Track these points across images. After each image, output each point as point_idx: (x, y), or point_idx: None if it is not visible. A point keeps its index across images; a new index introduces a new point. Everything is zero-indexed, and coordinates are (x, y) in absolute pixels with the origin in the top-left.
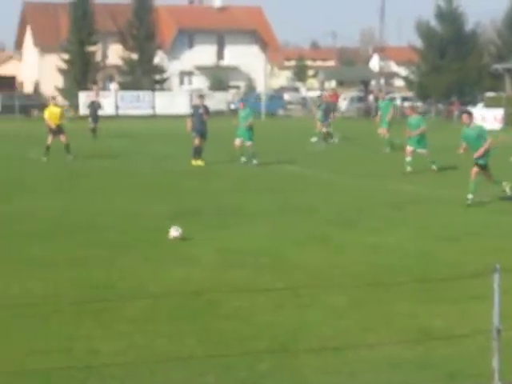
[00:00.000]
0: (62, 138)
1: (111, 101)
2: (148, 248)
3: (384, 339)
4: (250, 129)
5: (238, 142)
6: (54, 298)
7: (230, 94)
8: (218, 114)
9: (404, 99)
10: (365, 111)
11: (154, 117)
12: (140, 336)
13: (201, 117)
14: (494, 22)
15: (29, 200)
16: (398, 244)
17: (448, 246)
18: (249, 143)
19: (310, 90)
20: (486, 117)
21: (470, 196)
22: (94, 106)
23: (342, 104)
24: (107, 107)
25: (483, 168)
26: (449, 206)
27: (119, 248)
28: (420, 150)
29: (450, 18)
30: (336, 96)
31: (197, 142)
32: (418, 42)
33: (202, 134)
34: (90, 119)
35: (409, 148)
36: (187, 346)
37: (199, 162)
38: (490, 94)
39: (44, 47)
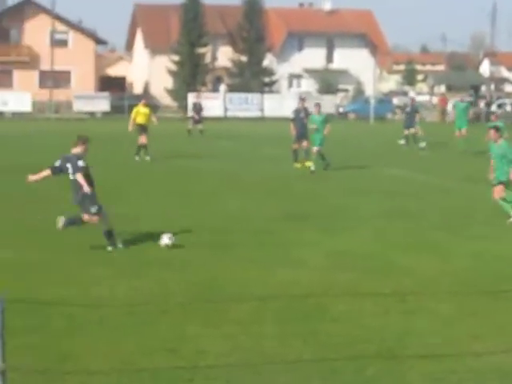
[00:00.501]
0: (143, 138)
1: (220, 103)
2: (255, 250)
3: (492, 348)
4: (322, 134)
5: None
6: (161, 298)
7: (338, 98)
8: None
9: None
10: (474, 116)
11: (262, 119)
12: (246, 338)
13: (302, 120)
14: None
15: (144, 202)
16: (507, 251)
17: None
18: (317, 148)
19: (419, 94)
20: None
21: None
22: (196, 108)
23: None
24: (216, 109)
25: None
26: None
27: (227, 249)
28: None
29: None
30: (444, 100)
31: (295, 146)
32: None
33: (302, 138)
34: (191, 120)
35: None
36: (294, 349)
37: (298, 165)
38: None
39: (154, 49)
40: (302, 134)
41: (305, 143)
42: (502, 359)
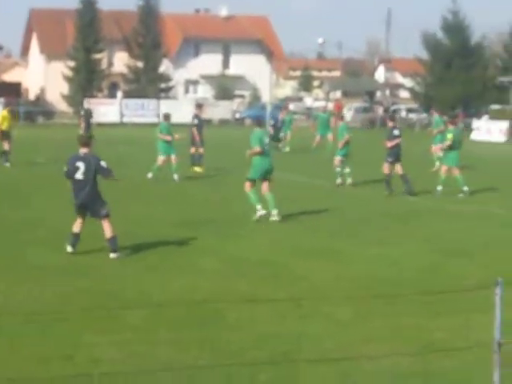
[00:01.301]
0: (6, 144)
1: (116, 108)
2: (153, 257)
3: (386, 351)
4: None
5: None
6: (58, 305)
7: (235, 104)
8: (224, 123)
9: (409, 111)
10: (369, 122)
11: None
12: (142, 344)
13: (199, 126)
14: (501, 34)
15: (46, 208)
16: (404, 256)
17: (454, 258)
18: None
19: (316, 100)
20: (492, 129)
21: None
22: (87, 114)
23: (347, 114)
24: (112, 115)
25: None
26: (451, 217)
27: (125, 256)
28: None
29: (456, 30)
30: (339, 106)
31: (192, 150)
32: (424, 54)
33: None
34: (82, 126)
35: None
36: (189, 355)
37: (197, 169)
38: (494, 107)
39: (50, 54)
40: (200, 139)
41: (201, 149)
42: (396, 362)
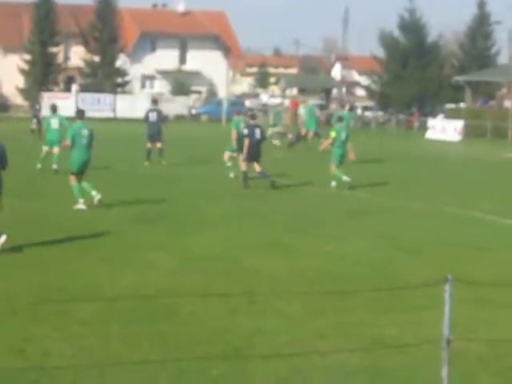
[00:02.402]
0: None
1: (72, 103)
2: (105, 251)
3: (337, 347)
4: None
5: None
6: (9, 299)
7: (191, 99)
8: (180, 118)
9: (365, 108)
10: (325, 119)
11: (114, 120)
12: (93, 339)
13: (155, 122)
14: (457, 33)
15: None
16: (356, 253)
17: (406, 255)
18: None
19: (272, 96)
20: (447, 128)
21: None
22: (37, 108)
23: (302, 112)
24: (68, 109)
25: None
26: (405, 215)
27: (76, 250)
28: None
29: (413, 28)
30: (296, 103)
31: (148, 145)
32: (381, 52)
33: (155, 138)
34: (34, 120)
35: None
36: (141, 350)
37: (146, 163)
38: (450, 106)
39: (6, 47)
40: (154, 134)
41: (159, 144)
42: (347, 358)
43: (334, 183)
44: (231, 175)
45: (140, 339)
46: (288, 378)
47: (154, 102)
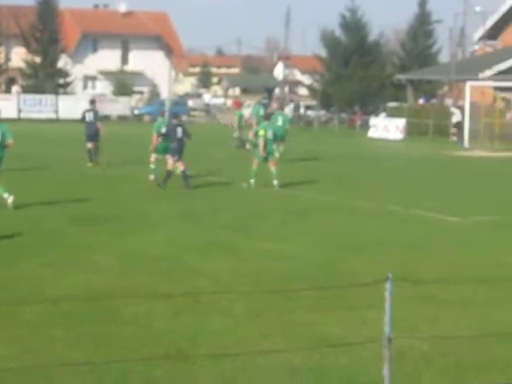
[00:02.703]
0: None
1: (13, 104)
2: (48, 253)
3: (282, 347)
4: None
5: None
6: None
7: (133, 100)
8: (122, 119)
9: (308, 107)
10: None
11: (57, 120)
12: (36, 340)
13: (92, 122)
14: (398, 32)
15: None
16: (300, 252)
17: (350, 254)
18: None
19: (214, 96)
20: (389, 126)
21: None
22: None
23: (246, 111)
24: (9, 110)
25: None
26: (349, 214)
27: (18, 252)
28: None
29: (355, 28)
30: (238, 103)
31: (89, 145)
32: (323, 51)
33: (92, 139)
34: None
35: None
36: (85, 351)
37: (89, 164)
38: (392, 104)
39: None
40: (92, 134)
41: (96, 144)
42: (290, 357)
43: (252, 180)
44: (151, 177)
45: (84, 341)
46: (233, 378)
47: (91, 102)
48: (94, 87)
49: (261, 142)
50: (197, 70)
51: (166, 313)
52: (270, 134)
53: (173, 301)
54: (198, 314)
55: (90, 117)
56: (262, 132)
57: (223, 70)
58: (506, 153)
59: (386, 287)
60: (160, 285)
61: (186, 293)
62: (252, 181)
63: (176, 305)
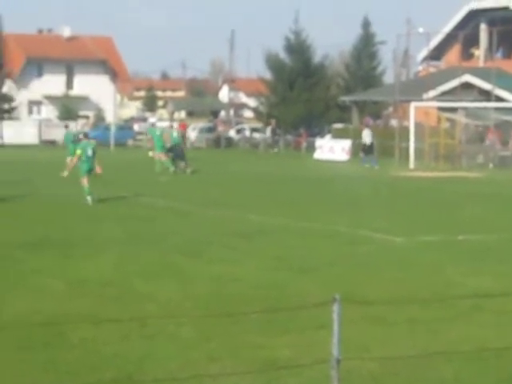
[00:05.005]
0: None
1: None
2: None
3: (230, 370)
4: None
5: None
6: None
7: (79, 124)
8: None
9: (253, 130)
10: (214, 141)
11: (1, 146)
12: None
13: None
14: (343, 54)
15: None
16: (249, 274)
17: (300, 276)
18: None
19: (160, 120)
20: (334, 148)
21: None
22: None
23: (192, 134)
24: None
25: None
26: (297, 235)
27: None
28: None
29: (299, 50)
30: (184, 126)
31: None
32: (267, 74)
33: None
34: None
35: None
36: (33, 377)
37: None
38: (337, 126)
39: None
40: None
41: None
42: (237, 380)
43: (88, 197)
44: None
45: (32, 367)
46: None
47: None
48: (39, 112)
49: (74, 160)
50: (142, 93)
51: (113, 337)
52: (89, 152)
53: (120, 325)
54: (145, 338)
55: None
56: (79, 151)
57: (168, 94)
58: (451, 173)
59: (333, 309)
60: (107, 309)
61: (134, 317)
62: (89, 198)
63: (123, 329)
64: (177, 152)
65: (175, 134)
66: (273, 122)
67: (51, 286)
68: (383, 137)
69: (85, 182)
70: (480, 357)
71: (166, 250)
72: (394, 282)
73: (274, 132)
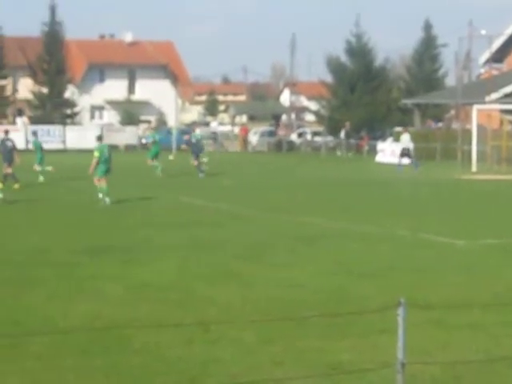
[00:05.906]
0: None
1: (21, 135)
2: (57, 284)
3: (293, 374)
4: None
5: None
6: None
7: (140, 129)
8: (130, 148)
9: (315, 134)
10: (276, 145)
11: (64, 151)
12: (46, 372)
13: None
14: (404, 57)
15: None
16: (310, 279)
17: (360, 280)
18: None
19: (222, 124)
20: (396, 151)
21: None
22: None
23: (253, 138)
24: (17, 141)
25: None
26: (357, 239)
27: (28, 283)
28: None
29: (360, 53)
30: (245, 130)
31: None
32: (329, 77)
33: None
34: None
35: None
36: (95, 382)
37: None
38: (399, 129)
39: None
40: (9, 159)
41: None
42: None
43: (100, 195)
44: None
45: (94, 371)
46: None
47: (6, 132)
48: (101, 117)
49: (94, 162)
50: (203, 98)
51: (176, 342)
52: (106, 153)
53: (183, 330)
54: (208, 342)
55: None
56: (96, 153)
57: (230, 98)
58: None
59: (398, 313)
60: (170, 314)
61: (196, 322)
62: (101, 195)
63: (186, 334)
64: (196, 149)
65: (198, 131)
66: (347, 124)
67: (113, 290)
68: (445, 140)
69: (103, 183)
70: None
71: (228, 255)
72: (455, 286)
73: (347, 135)
